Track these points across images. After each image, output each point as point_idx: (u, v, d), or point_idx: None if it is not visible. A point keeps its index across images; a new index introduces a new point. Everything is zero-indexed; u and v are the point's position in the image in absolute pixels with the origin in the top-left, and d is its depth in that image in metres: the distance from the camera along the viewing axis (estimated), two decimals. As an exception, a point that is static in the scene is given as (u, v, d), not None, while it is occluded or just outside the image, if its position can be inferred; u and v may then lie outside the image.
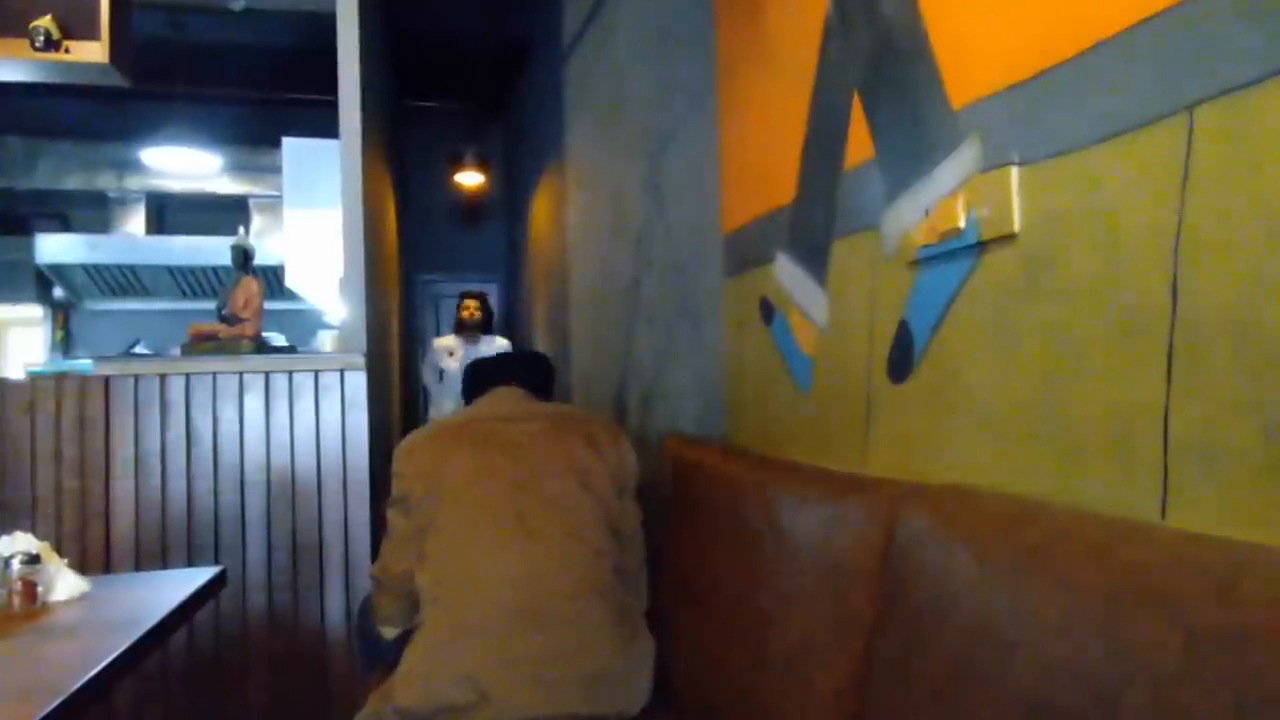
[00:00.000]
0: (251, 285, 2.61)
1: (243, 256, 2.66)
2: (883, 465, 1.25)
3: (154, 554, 2.26)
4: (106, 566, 2.23)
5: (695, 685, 1.39)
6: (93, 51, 2.13)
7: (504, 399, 1.63)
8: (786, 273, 1.55)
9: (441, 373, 4.60)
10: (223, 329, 2.55)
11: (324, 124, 3.23)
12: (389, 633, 1.53)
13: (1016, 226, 0.96)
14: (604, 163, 3.02)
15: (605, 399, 2.96)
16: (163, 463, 2.29)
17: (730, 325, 1.82)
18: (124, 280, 5.70)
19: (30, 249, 5.37)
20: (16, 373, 3.19)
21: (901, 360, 1.20)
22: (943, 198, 1.09)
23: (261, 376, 2.36)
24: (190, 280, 5.77)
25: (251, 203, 5.84)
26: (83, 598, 1.45)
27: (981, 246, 1.03)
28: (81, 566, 1.69)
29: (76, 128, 5.56)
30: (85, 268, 5.50)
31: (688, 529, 1.57)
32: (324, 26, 2.73)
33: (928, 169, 1.12)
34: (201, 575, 1.59)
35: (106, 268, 5.54)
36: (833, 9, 1.37)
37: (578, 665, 1.32)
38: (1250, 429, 0.70)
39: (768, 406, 1.64)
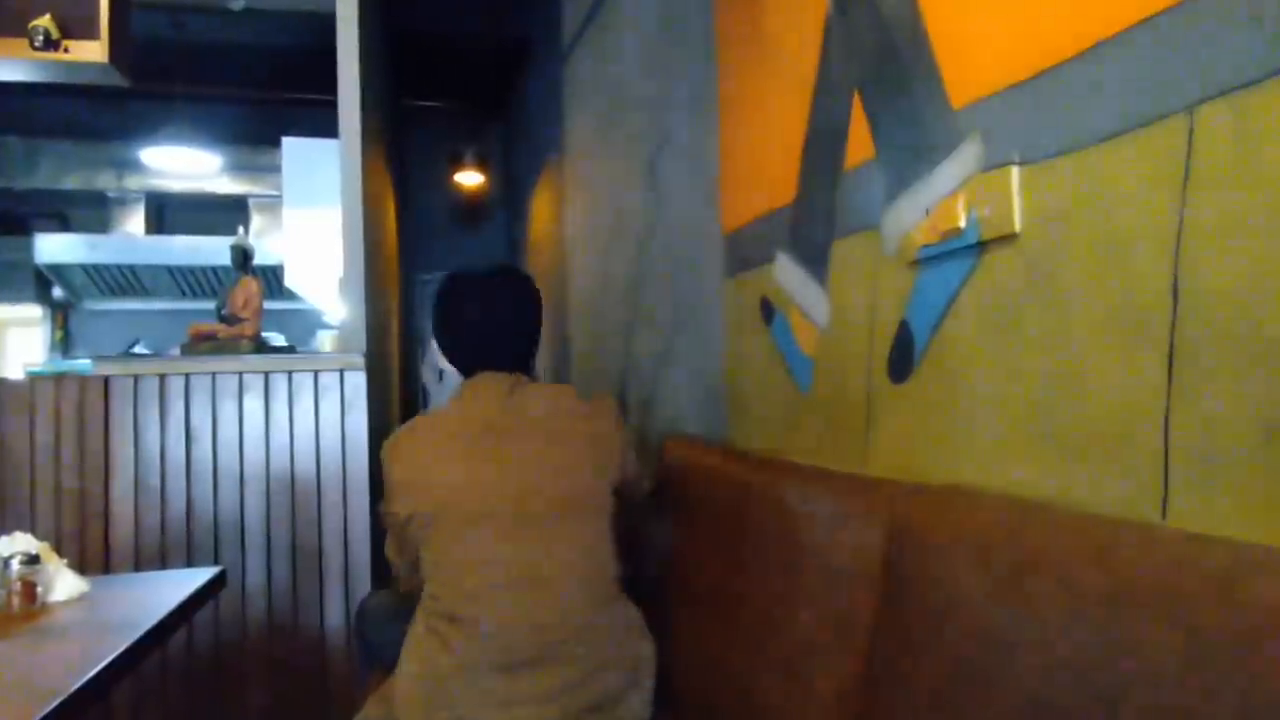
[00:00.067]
0: (251, 285, 2.61)
1: (242, 256, 2.66)
2: (883, 465, 1.25)
3: (153, 554, 2.26)
4: (106, 567, 2.22)
5: (695, 685, 1.39)
6: (92, 51, 2.13)
7: (491, 394, 1.46)
8: (787, 273, 1.54)
9: (441, 373, 4.60)
10: (222, 329, 2.55)
11: (324, 124, 3.23)
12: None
13: (1017, 226, 0.96)
14: (604, 162, 3.01)
15: (605, 399, 2.95)
16: (162, 463, 2.29)
17: (730, 325, 1.82)
18: (123, 280, 5.69)
19: (29, 249, 5.35)
20: (16, 373, 3.18)
21: (902, 360, 1.20)
22: (943, 197, 1.09)
23: (261, 376, 2.36)
24: (190, 280, 5.77)
25: (251, 202, 5.83)
26: (82, 598, 1.45)
27: (982, 246, 1.03)
28: (81, 567, 1.68)
29: (76, 127, 5.55)
30: (84, 267, 5.48)
31: (688, 530, 1.57)
32: (324, 26, 2.73)
33: (928, 169, 1.12)
34: (201, 575, 1.59)
35: (106, 267, 5.53)
36: (833, 8, 1.37)
37: (580, 698, 1.31)
38: (1251, 429, 0.70)
39: (768, 407, 1.63)
